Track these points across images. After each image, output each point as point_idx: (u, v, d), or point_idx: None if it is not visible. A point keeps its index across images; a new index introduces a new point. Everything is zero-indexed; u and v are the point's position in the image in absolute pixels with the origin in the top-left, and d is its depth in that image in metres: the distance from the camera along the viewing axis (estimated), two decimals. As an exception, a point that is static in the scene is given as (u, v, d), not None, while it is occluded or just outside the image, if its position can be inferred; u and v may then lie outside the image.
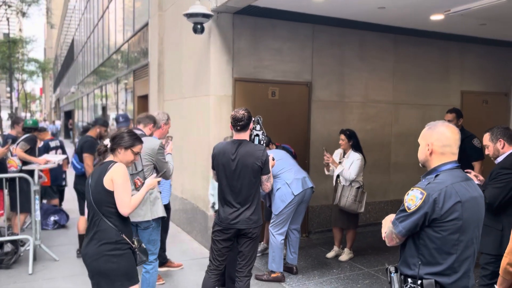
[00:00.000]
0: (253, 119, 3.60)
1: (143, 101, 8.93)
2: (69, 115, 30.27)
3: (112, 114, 13.44)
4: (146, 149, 3.57)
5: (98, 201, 2.73)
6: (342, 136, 5.12)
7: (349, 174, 4.94)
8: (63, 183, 7.41)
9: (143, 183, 3.53)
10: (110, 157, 2.89)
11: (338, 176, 5.13)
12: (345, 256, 5.24)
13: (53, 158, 5.96)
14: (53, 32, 48.69)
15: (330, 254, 5.33)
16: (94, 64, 17.37)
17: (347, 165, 5.01)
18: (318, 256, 5.39)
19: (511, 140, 3.27)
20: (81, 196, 5.28)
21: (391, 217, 2.18)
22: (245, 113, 3.34)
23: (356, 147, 5.10)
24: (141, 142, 2.97)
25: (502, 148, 3.27)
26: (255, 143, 3.58)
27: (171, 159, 4.08)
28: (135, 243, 2.84)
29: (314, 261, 5.20)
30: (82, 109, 22.15)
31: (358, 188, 5.00)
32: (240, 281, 3.42)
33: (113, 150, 2.87)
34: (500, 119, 7.62)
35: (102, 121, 5.60)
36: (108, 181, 2.71)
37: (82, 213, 5.26)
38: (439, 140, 2.09)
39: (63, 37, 35.04)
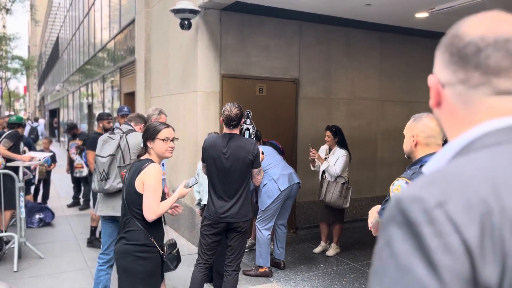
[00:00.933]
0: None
1: (129, 99, 8.87)
2: (54, 113, 29.88)
3: (98, 113, 13.32)
4: (136, 143, 3.57)
5: (129, 201, 2.64)
6: (328, 133, 5.17)
7: (334, 170, 4.99)
8: (32, 180, 7.29)
9: None
10: (145, 155, 2.74)
11: (323, 172, 5.18)
12: (332, 251, 5.28)
13: (38, 155, 5.89)
14: (37, 30, 47.99)
15: (317, 250, 5.37)
16: (80, 62, 17.18)
17: (332, 161, 5.06)
18: (306, 251, 5.43)
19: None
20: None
21: (377, 207, 2.22)
22: (238, 112, 3.38)
23: (342, 144, 5.16)
24: (167, 126, 2.75)
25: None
26: (245, 137, 3.61)
27: None
28: (165, 249, 2.75)
29: (301, 256, 5.23)
30: (68, 107, 21.88)
31: (343, 184, 5.05)
32: (229, 275, 3.44)
33: (146, 148, 2.74)
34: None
35: (104, 115, 5.72)
36: (139, 184, 2.59)
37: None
38: (424, 132, 2.14)
39: (48, 35, 34.56)
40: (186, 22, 5.06)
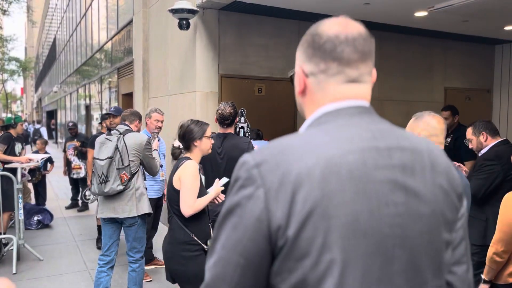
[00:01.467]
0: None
1: (128, 99, 8.84)
2: (51, 115, 29.79)
3: (95, 114, 13.28)
4: (133, 144, 3.54)
5: (170, 200, 2.68)
6: None
7: None
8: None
9: (129, 178, 3.50)
10: (186, 154, 2.77)
11: None
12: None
13: (36, 157, 5.85)
14: (34, 31, 47.88)
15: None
16: (77, 63, 17.12)
17: None
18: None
19: (493, 133, 3.34)
20: None
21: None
22: (232, 111, 3.39)
23: None
24: (207, 124, 2.83)
25: (485, 141, 3.33)
26: (240, 135, 3.59)
27: (156, 155, 4.05)
28: (209, 244, 2.71)
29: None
30: (65, 109, 21.82)
31: None
32: None
33: (188, 147, 2.76)
34: (482, 115, 7.75)
35: (107, 114, 5.70)
36: (176, 180, 2.64)
37: None
38: (425, 130, 2.12)
39: (45, 36, 34.47)
40: (184, 22, 5.04)
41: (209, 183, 3.42)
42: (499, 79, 7.87)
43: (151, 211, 3.75)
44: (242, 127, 3.73)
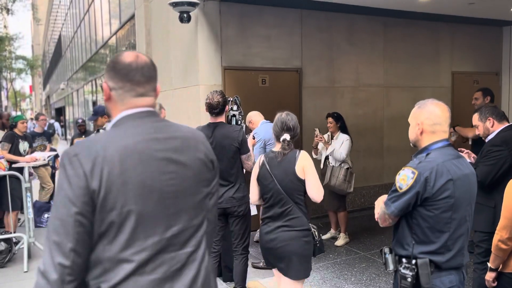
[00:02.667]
0: (230, 99, 3.57)
1: (133, 94, 8.85)
2: (60, 112, 30.00)
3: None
4: None
5: (292, 190, 2.74)
6: (330, 119, 5.18)
7: (340, 154, 5.00)
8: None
9: None
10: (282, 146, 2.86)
11: (326, 158, 5.18)
12: (341, 240, 5.25)
13: (41, 155, 5.89)
14: (40, 29, 48.05)
15: (325, 236, 5.35)
16: (83, 59, 17.17)
17: (337, 146, 5.06)
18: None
19: (500, 118, 3.27)
20: None
21: (383, 198, 2.17)
22: (220, 99, 3.38)
23: (344, 129, 5.16)
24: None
25: (492, 126, 3.26)
26: (232, 123, 3.58)
27: None
28: (316, 233, 2.86)
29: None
30: (73, 105, 21.95)
31: (347, 169, 5.07)
32: (236, 259, 3.55)
33: (295, 137, 2.87)
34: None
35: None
36: (300, 170, 2.73)
37: None
38: (429, 119, 2.07)
39: (50, 33, 34.59)
40: (185, 15, 4.99)
41: None
42: (508, 62, 7.72)
43: None
44: (234, 115, 3.70)
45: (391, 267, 2.09)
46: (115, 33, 10.46)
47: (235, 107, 3.72)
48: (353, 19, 6.31)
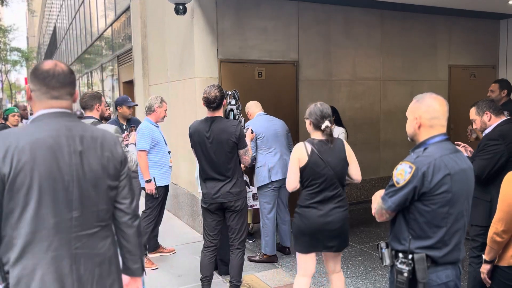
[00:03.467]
0: (228, 93, 3.54)
1: (128, 87, 8.79)
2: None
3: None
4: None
5: (341, 174, 3.01)
6: None
7: None
8: None
9: None
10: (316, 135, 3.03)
11: None
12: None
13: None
14: (35, 20, 47.60)
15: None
16: (78, 51, 17.03)
17: None
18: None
19: (497, 112, 3.26)
20: None
21: (380, 192, 2.15)
22: (218, 94, 3.34)
23: (338, 122, 5.15)
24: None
25: (489, 120, 3.25)
26: (230, 118, 3.56)
27: (134, 149, 4.00)
28: None
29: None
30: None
31: None
32: (232, 253, 3.55)
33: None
34: (488, 92, 7.63)
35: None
36: (348, 156, 3.03)
37: None
38: (427, 113, 2.05)
39: (45, 25, 34.27)
40: (180, 6, 4.94)
41: (202, 167, 3.46)
42: (505, 55, 7.71)
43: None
44: (232, 110, 3.66)
45: (387, 261, 2.08)
46: (111, 25, 10.36)
47: (233, 101, 3.68)
48: (350, 12, 6.27)
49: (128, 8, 8.30)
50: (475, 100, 3.47)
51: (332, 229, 2.98)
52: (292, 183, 3.02)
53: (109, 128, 3.46)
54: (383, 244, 2.12)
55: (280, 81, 5.82)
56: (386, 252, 2.09)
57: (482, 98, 3.57)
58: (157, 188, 4.46)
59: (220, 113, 3.43)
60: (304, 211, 3.00)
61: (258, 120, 4.56)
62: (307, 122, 3.08)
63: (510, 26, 7.60)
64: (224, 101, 3.43)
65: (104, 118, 5.19)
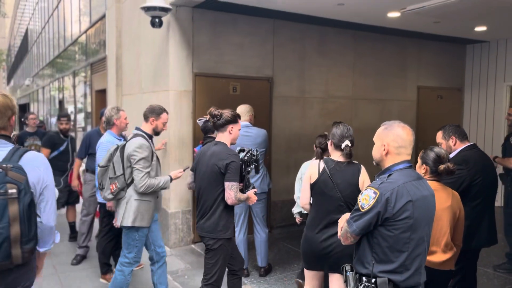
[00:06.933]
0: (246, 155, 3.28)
1: (101, 96, 8.66)
2: (24, 108, 28.97)
3: (70, 108, 12.97)
4: (131, 151, 3.45)
5: (350, 199, 2.82)
6: None
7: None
8: None
9: (119, 188, 3.46)
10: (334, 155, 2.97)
11: None
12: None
13: None
14: (6, 21, 46.32)
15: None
16: (50, 56, 16.67)
17: None
18: (280, 251, 5.43)
19: (462, 137, 3.40)
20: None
21: (346, 216, 2.21)
22: (229, 114, 3.16)
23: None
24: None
25: (454, 145, 3.39)
26: (241, 155, 3.26)
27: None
28: None
29: (275, 257, 5.23)
30: (38, 102, 21.25)
31: None
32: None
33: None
34: (454, 113, 7.92)
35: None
36: (361, 183, 2.87)
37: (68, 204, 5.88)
38: (395, 141, 2.13)
39: (17, 27, 33.39)
40: (157, 20, 4.94)
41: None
42: (470, 78, 8.04)
43: (135, 224, 3.48)
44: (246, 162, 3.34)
45: (352, 285, 2.13)
46: (85, 31, 10.21)
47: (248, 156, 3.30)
48: (325, 31, 6.42)
49: (103, 16, 8.21)
50: (442, 120, 3.60)
51: (331, 255, 2.84)
52: (304, 199, 3.01)
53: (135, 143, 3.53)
54: (348, 267, 2.17)
55: (254, 96, 5.87)
56: (350, 275, 2.14)
57: (448, 118, 3.71)
58: None
59: (225, 138, 3.19)
60: (310, 232, 2.94)
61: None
62: (329, 143, 3.04)
63: (475, 51, 7.94)
64: (229, 127, 3.18)
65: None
